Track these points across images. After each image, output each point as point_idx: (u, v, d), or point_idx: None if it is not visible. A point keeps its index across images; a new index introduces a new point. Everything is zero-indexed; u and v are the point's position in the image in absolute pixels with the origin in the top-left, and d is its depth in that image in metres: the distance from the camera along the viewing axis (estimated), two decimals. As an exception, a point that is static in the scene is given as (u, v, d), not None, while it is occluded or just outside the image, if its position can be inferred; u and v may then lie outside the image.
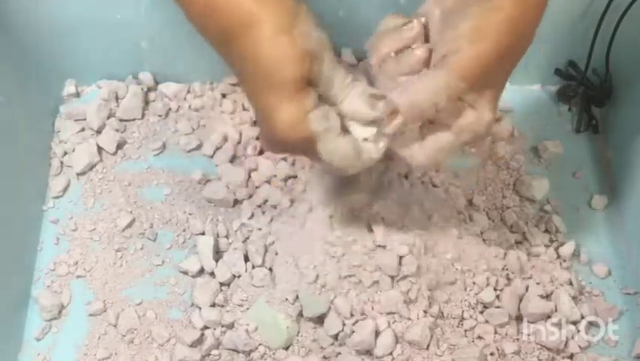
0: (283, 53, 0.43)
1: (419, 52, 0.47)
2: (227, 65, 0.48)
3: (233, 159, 0.68)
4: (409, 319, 0.57)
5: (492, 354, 0.58)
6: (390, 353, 0.57)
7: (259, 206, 0.64)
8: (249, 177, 0.66)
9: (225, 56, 0.47)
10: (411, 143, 0.48)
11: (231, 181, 0.66)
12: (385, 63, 0.48)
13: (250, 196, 0.65)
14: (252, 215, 0.64)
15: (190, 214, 0.65)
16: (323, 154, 0.46)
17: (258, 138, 0.69)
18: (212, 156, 0.69)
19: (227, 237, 0.63)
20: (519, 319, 0.60)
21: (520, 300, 0.61)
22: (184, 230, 0.65)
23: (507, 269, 0.61)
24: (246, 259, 0.61)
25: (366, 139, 0.47)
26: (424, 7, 0.48)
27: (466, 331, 0.59)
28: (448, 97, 0.45)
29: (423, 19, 0.48)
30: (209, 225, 0.64)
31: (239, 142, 0.69)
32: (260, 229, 0.62)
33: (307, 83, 0.45)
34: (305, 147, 0.46)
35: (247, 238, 0.62)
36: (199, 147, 0.70)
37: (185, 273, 0.62)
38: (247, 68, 0.45)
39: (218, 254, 0.62)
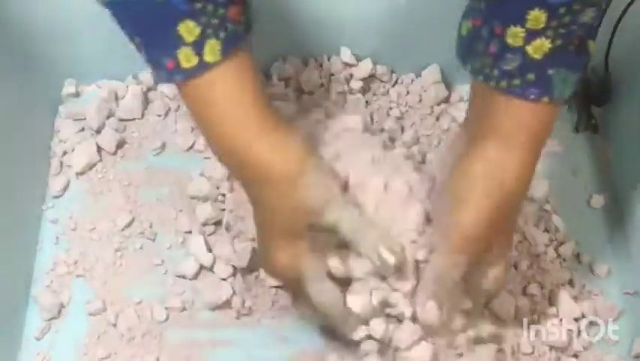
0: (283, 208, 0.48)
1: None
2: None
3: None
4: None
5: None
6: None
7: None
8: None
9: (245, 192, 0.51)
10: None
11: (213, 175, 0.66)
12: None
13: (233, 190, 0.65)
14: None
15: (180, 210, 0.66)
16: (309, 293, 0.50)
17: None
18: (202, 152, 0.69)
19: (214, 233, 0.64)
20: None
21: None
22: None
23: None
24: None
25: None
26: (433, 165, 0.55)
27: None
28: (459, 274, 0.49)
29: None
30: (195, 223, 0.64)
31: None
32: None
33: (309, 230, 0.49)
34: (295, 285, 0.51)
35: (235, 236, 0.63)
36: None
37: (183, 277, 0.62)
38: (256, 211, 0.50)
39: (211, 252, 0.62)
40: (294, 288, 0.53)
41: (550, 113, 0.47)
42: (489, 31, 0.45)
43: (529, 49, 0.43)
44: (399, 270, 0.50)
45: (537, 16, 0.41)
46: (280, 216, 0.48)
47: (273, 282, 0.61)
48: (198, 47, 0.43)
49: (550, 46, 0.43)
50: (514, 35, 0.43)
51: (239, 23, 0.45)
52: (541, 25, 0.42)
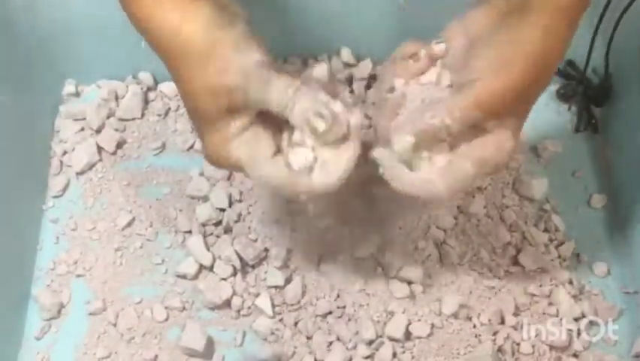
0: (198, 90, 0.44)
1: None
2: None
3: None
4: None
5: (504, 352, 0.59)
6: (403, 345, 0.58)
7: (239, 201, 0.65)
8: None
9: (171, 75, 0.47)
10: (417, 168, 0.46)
11: (212, 176, 0.66)
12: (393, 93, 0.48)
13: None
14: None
15: (180, 210, 0.66)
16: (253, 180, 0.46)
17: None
18: (202, 151, 0.69)
19: (214, 233, 0.64)
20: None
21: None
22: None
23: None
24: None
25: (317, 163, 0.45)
26: (447, 32, 0.48)
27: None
28: (461, 122, 0.44)
29: (440, 46, 0.48)
30: (195, 223, 0.64)
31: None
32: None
33: (232, 111, 0.44)
34: (238, 170, 0.47)
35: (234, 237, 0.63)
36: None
37: (183, 277, 0.62)
38: (178, 89, 0.46)
39: (210, 251, 0.62)
40: (238, 172, 0.48)
41: None
42: None
43: None
44: (337, 137, 0.45)
45: None
46: (199, 98, 0.44)
47: (271, 282, 0.61)
48: None
49: None
50: None
51: None
52: None
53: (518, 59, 0.44)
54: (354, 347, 0.58)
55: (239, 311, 0.61)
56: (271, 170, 0.45)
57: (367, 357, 0.58)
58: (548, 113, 0.74)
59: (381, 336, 0.59)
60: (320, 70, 0.49)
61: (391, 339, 0.58)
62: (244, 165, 0.45)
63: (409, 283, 0.60)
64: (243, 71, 0.44)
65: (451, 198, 0.50)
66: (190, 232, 0.64)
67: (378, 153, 0.46)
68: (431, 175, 0.46)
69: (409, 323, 0.59)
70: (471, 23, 0.47)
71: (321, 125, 0.43)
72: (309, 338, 0.59)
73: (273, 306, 0.61)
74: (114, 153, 0.69)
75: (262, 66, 0.44)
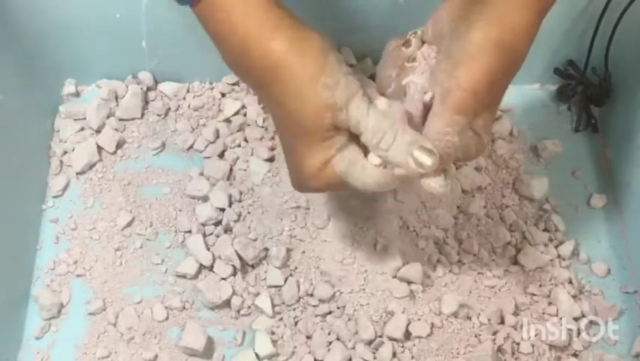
0: (306, 107, 0.45)
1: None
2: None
3: (222, 154, 0.68)
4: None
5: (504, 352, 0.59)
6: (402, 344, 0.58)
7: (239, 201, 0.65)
8: (231, 170, 0.67)
9: (260, 97, 0.49)
10: None
11: (212, 176, 0.66)
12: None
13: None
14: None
15: (180, 210, 0.66)
16: (356, 187, 0.47)
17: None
18: (201, 151, 0.69)
19: (214, 233, 0.64)
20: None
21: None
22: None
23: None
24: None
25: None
26: (436, 14, 0.50)
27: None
28: (458, 133, 0.46)
29: (419, 33, 0.50)
30: (195, 223, 0.64)
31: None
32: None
33: (334, 130, 0.46)
34: (334, 186, 0.48)
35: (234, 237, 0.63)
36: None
37: (183, 277, 0.63)
38: (276, 115, 0.47)
39: (210, 251, 0.62)
40: (339, 190, 0.49)
41: None
42: None
43: None
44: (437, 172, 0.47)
45: None
46: (306, 117, 0.45)
47: (271, 281, 0.61)
48: None
49: None
50: None
51: None
52: None
53: (480, 54, 0.45)
54: (354, 347, 0.58)
55: (239, 311, 0.61)
56: (372, 173, 0.47)
57: (367, 357, 0.58)
58: (548, 113, 0.74)
59: (380, 336, 0.58)
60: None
61: (391, 339, 0.58)
62: (346, 177, 0.47)
63: (409, 283, 0.60)
64: (350, 90, 0.45)
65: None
66: (190, 231, 0.64)
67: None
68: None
69: (409, 323, 0.59)
70: (436, 21, 0.49)
71: (428, 160, 0.45)
72: (308, 337, 0.59)
73: (273, 306, 0.61)
74: (114, 153, 0.69)
75: (363, 90, 0.46)
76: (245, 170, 0.67)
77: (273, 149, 0.67)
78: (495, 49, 0.45)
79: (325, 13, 0.69)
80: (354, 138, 0.47)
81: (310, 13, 0.68)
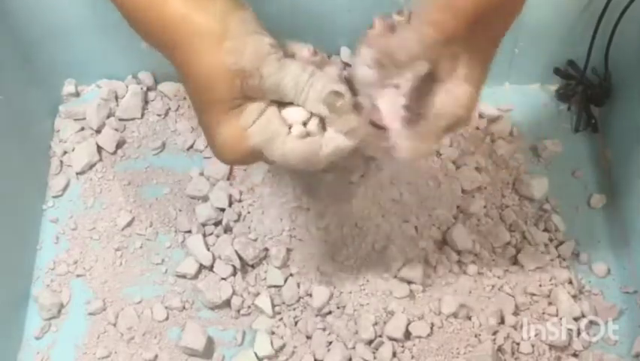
0: (211, 74, 0.41)
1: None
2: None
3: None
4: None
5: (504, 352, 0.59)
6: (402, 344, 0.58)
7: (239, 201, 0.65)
8: (231, 170, 0.67)
9: (176, 70, 0.44)
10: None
11: (212, 176, 0.66)
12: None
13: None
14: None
15: (180, 210, 0.66)
16: (275, 160, 0.43)
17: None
18: (201, 151, 0.69)
19: (214, 233, 0.64)
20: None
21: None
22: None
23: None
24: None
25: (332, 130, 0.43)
26: None
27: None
28: (423, 47, 0.41)
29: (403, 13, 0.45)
30: (195, 222, 0.64)
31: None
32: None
33: (245, 98, 0.42)
34: (253, 158, 0.44)
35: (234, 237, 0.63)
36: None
37: (183, 277, 0.63)
38: (184, 80, 0.44)
39: (210, 251, 0.62)
40: (253, 161, 0.45)
41: None
42: None
43: None
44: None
45: None
46: (213, 84, 0.41)
47: (271, 281, 0.61)
48: None
49: None
50: None
51: None
52: None
53: None
54: (354, 347, 0.58)
55: (239, 311, 0.61)
56: (294, 144, 0.43)
57: (367, 357, 0.58)
58: (548, 113, 0.74)
59: (380, 336, 0.58)
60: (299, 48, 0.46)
61: (391, 339, 0.58)
62: (263, 148, 0.43)
63: (409, 283, 0.60)
64: (258, 53, 0.41)
65: (416, 158, 0.48)
66: (190, 231, 0.64)
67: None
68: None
69: (409, 323, 0.59)
70: None
71: (338, 101, 0.42)
72: (308, 337, 0.59)
73: (273, 306, 0.61)
74: (114, 153, 0.69)
75: (276, 49, 0.42)
76: (245, 170, 0.67)
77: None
78: None
79: (325, 14, 0.69)
80: (280, 104, 0.43)
81: (310, 14, 0.68)
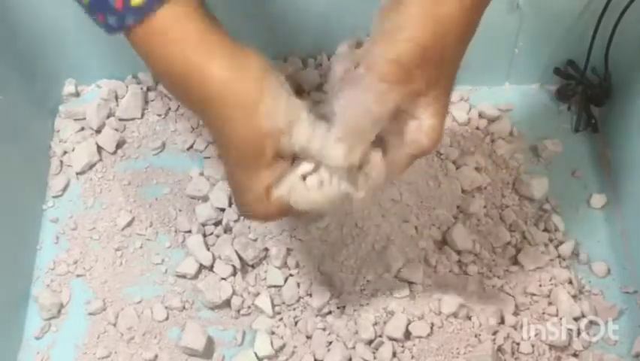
0: (247, 136, 0.43)
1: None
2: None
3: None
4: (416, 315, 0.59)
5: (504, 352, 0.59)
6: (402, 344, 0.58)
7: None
8: None
9: (202, 122, 0.46)
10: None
11: (212, 176, 0.66)
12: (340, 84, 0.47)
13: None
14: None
15: (180, 210, 0.66)
16: (301, 206, 0.45)
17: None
18: (201, 151, 0.69)
19: (214, 233, 0.64)
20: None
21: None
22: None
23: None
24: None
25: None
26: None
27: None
28: (378, 104, 0.43)
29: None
30: (195, 222, 0.64)
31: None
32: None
33: (277, 157, 0.44)
34: (280, 214, 0.46)
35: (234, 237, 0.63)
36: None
37: (183, 277, 0.63)
38: (218, 141, 0.45)
39: (210, 251, 0.62)
40: (286, 216, 0.47)
41: None
42: None
43: None
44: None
45: None
46: (248, 145, 0.44)
47: (271, 281, 0.61)
48: None
49: None
50: None
51: None
52: None
53: (405, 24, 0.42)
54: (354, 347, 0.58)
55: (239, 311, 0.61)
56: (316, 194, 0.45)
57: (367, 357, 0.58)
58: (548, 113, 0.74)
59: (380, 336, 0.58)
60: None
61: (391, 339, 0.58)
62: (291, 202, 0.45)
63: (409, 283, 0.60)
64: (292, 113, 0.44)
65: (383, 184, 0.49)
66: (190, 231, 0.64)
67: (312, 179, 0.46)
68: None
69: (409, 323, 0.59)
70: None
71: (337, 150, 0.44)
72: (308, 337, 0.59)
73: (273, 306, 0.61)
74: (114, 153, 0.69)
75: (308, 111, 0.45)
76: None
77: (273, 149, 0.67)
78: (426, 18, 0.42)
79: (324, 14, 0.69)
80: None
81: (309, 14, 0.68)
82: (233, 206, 0.64)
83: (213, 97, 0.43)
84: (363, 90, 0.44)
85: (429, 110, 0.45)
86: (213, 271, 0.62)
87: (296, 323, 0.60)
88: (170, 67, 0.43)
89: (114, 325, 0.61)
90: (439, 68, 0.44)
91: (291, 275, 0.62)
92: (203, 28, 0.43)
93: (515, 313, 0.61)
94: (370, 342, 0.58)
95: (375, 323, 0.59)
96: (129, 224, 0.65)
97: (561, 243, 0.65)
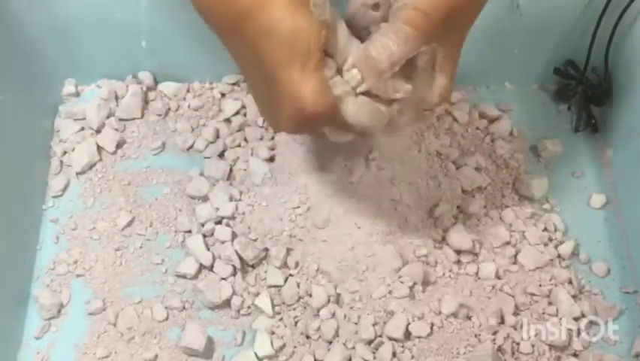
0: (302, 25, 0.44)
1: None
2: (232, 59, 0.48)
3: (222, 154, 0.68)
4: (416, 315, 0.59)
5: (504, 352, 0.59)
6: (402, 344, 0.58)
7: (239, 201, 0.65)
8: (231, 170, 0.67)
9: (234, 43, 0.46)
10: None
11: (212, 176, 0.66)
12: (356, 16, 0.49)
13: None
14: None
15: (180, 210, 0.66)
16: (350, 116, 0.47)
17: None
18: (201, 151, 0.69)
19: (214, 233, 0.64)
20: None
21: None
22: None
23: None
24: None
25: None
26: None
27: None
28: (402, 49, 0.45)
29: None
30: (195, 222, 0.64)
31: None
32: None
33: (324, 53, 0.45)
34: (330, 115, 0.46)
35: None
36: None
37: (183, 277, 0.63)
38: (263, 46, 0.45)
39: (210, 251, 0.62)
40: (327, 121, 0.48)
41: None
42: None
43: None
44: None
45: None
46: (298, 39, 0.44)
47: (271, 281, 0.61)
48: None
49: None
50: None
51: None
52: None
53: None
54: (354, 347, 0.58)
55: (239, 311, 0.61)
56: (364, 102, 0.47)
57: (367, 357, 0.58)
58: (548, 113, 0.74)
59: (380, 336, 0.58)
60: None
61: (391, 339, 0.58)
62: (343, 101, 0.46)
63: (410, 282, 0.60)
64: (334, 14, 0.45)
65: (392, 134, 0.54)
66: (190, 231, 0.64)
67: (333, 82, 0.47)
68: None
69: (409, 323, 0.59)
70: None
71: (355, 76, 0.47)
72: (308, 337, 0.59)
73: (273, 306, 0.61)
74: (114, 153, 0.69)
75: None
76: (245, 170, 0.67)
77: (272, 149, 0.67)
78: None
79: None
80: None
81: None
82: (233, 206, 0.64)
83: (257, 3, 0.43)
84: (386, 29, 0.45)
85: (442, 67, 0.47)
86: (213, 271, 0.62)
87: (296, 323, 0.60)
88: None
89: (114, 325, 0.61)
90: (456, 26, 0.46)
91: (291, 275, 0.62)
92: None
93: (515, 314, 0.61)
94: (370, 342, 0.58)
95: (375, 323, 0.59)
96: (129, 224, 0.65)
97: (561, 243, 0.65)
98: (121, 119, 0.71)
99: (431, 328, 0.59)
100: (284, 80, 0.45)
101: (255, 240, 0.62)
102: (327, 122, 0.48)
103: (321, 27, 0.44)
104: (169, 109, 0.72)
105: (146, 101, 0.72)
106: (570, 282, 0.63)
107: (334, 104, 0.46)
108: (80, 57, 0.71)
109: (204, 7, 0.47)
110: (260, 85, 0.48)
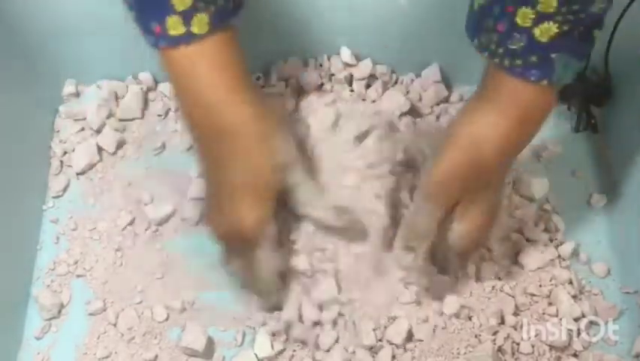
0: (263, 162, 0.50)
1: None
2: (199, 159, 0.52)
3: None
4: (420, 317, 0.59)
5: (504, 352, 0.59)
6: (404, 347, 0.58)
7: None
8: None
9: (205, 152, 0.51)
10: None
11: None
12: None
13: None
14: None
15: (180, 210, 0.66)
16: (258, 258, 0.55)
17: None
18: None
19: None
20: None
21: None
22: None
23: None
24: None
25: None
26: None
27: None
28: (428, 221, 0.53)
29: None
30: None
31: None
32: None
33: (277, 191, 0.51)
34: (245, 246, 0.53)
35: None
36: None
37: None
38: (224, 170, 0.50)
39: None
40: (240, 247, 0.54)
41: (547, 95, 0.48)
42: (500, 8, 0.45)
43: (536, 31, 0.44)
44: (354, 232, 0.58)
45: (548, 1, 0.43)
46: (249, 172, 0.50)
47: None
48: (187, 16, 0.44)
49: (557, 30, 0.44)
50: (524, 16, 0.44)
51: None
52: (552, 10, 0.43)
53: (451, 149, 0.51)
54: (354, 351, 0.58)
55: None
56: (270, 263, 0.56)
57: (366, 359, 0.58)
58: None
59: (380, 340, 0.58)
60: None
61: (392, 344, 0.58)
62: (262, 243, 0.54)
63: (412, 286, 0.60)
64: (295, 154, 0.52)
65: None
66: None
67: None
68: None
69: (412, 326, 0.59)
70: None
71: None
72: (308, 339, 0.59)
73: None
74: (114, 154, 0.69)
75: (301, 160, 0.54)
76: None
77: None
78: (464, 140, 0.50)
79: (325, 14, 0.69)
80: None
81: (309, 14, 0.68)
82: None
83: (235, 128, 0.48)
84: (415, 209, 0.54)
85: (463, 217, 0.53)
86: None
87: (296, 325, 0.60)
88: (197, 94, 0.47)
89: (114, 325, 0.61)
90: (472, 188, 0.51)
91: (291, 276, 0.62)
92: (230, 64, 0.48)
93: (515, 314, 0.61)
94: (371, 347, 0.58)
95: (376, 328, 0.59)
96: (129, 224, 0.65)
97: (561, 243, 0.65)
98: (121, 120, 0.71)
99: (433, 329, 0.59)
100: (230, 204, 0.51)
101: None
102: (250, 247, 0.54)
103: (280, 168, 0.51)
104: (169, 109, 0.72)
105: (146, 101, 0.72)
106: (570, 282, 0.63)
107: (263, 234, 0.53)
108: (80, 57, 0.71)
109: (186, 118, 0.50)
110: (216, 190, 0.53)
